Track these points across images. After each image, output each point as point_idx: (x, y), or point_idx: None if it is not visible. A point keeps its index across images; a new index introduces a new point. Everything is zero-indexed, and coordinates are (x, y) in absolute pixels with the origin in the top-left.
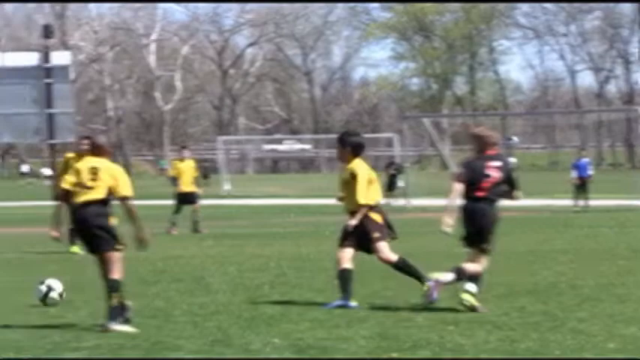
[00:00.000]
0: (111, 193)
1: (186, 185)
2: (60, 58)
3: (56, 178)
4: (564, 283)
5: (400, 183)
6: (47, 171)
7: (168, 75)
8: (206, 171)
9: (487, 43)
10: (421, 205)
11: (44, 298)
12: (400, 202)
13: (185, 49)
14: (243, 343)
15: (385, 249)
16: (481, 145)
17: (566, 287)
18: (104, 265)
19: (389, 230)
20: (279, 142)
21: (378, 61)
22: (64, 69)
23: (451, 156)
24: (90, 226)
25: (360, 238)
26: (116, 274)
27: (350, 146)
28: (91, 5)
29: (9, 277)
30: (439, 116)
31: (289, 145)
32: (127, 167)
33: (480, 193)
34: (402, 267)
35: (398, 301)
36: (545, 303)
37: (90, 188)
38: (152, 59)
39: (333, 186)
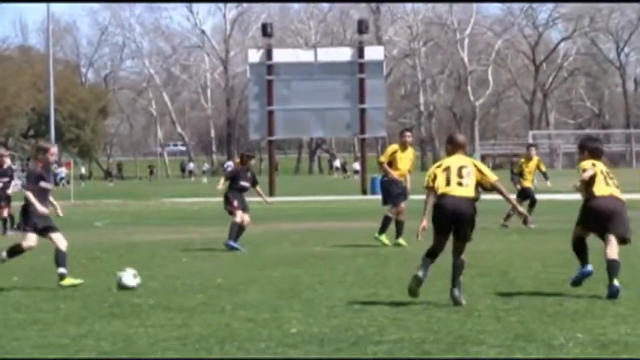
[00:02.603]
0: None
1: (527, 181)
2: (374, 53)
3: None
4: None
5: None
6: (357, 166)
7: (480, 69)
8: (514, 166)
9: None
10: None
11: None
12: None
13: (498, 44)
14: (545, 338)
15: None
16: None
17: None
18: None
19: None
20: None
21: None
22: (377, 64)
23: None
24: None
25: None
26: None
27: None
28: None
29: (313, 271)
30: None
31: None
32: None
33: None
34: None
35: None
36: None
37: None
38: (465, 54)
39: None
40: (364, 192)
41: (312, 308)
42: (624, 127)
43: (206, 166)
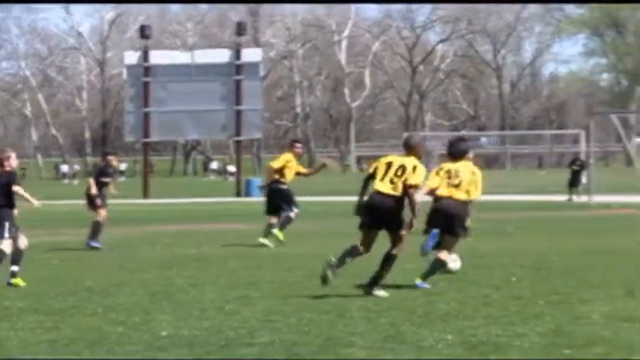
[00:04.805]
0: None
1: None
2: (251, 55)
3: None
4: None
5: (583, 179)
6: (232, 168)
7: (357, 71)
8: None
9: None
10: (604, 202)
11: None
12: (583, 198)
13: (376, 46)
14: (415, 340)
15: None
16: None
17: None
18: None
19: None
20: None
21: (569, 57)
22: (254, 66)
23: (637, 153)
24: None
25: None
26: None
27: None
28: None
29: (186, 273)
30: (628, 112)
31: None
32: (312, 163)
33: None
34: None
35: (574, 298)
36: None
37: None
38: (342, 56)
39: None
40: (238, 194)
41: (183, 311)
42: (499, 129)
43: (76, 168)
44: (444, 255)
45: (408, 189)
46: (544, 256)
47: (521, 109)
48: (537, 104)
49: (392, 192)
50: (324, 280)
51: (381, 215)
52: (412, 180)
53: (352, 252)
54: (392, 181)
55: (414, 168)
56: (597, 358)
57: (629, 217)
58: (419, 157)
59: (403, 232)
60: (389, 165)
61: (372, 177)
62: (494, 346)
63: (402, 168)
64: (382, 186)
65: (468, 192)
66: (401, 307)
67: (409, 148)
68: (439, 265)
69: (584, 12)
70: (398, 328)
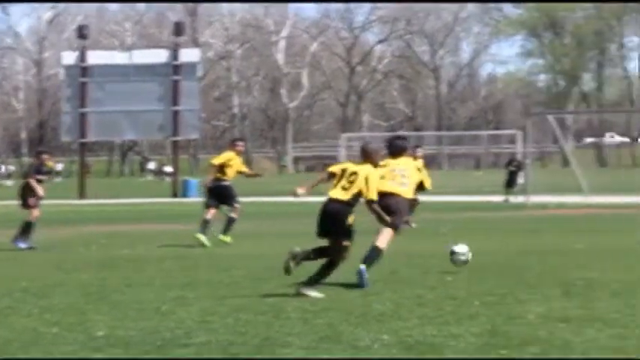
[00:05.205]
0: None
1: None
2: (189, 55)
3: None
4: None
5: (520, 180)
6: (168, 168)
7: (295, 72)
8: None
9: (617, 39)
10: (541, 202)
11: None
12: (520, 199)
13: (314, 46)
14: (351, 340)
15: None
16: None
17: None
18: None
19: None
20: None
21: (507, 58)
22: (192, 66)
23: (573, 153)
24: None
25: None
26: None
27: None
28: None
29: (121, 274)
30: (564, 113)
31: None
32: (249, 164)
33: None
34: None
35: (509, 298)
36: None
37: None
38: (280, 56)
39: (453, 183)
40: (175, 195)
41: (119, 311)
42: (436, 130)
43: (11, 168)
44: (381, 242)
45: (368, 204)
46: (479, 257)
47: (459, 110)
48: (474, 105)
49: (341, 197)
50: (287, 270)
51: (328, 220)
52: (369, 195)
53: (319, 252)
54: (344, 188)
55: (367, 179)
56: (533, 357)
57: (565, 218)
58: (375, 165)
59: (347, 243)
60: (343, 172)
61: (331, 176)
62: (430, 346)
63: (355, 175)
64: (334, 192)
65: (411, 186)
66: (337, 308)
67: (365, 155)
68: (377, 253)
69: (523, 12)
70: (334, 329)
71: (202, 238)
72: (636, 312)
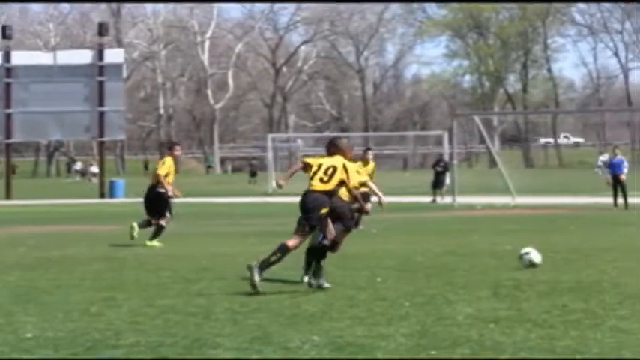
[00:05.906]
0: None
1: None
2: (113, 56)
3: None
4: (607, 281)
5: (447, 180)
6: (95, 169)
7: (220, 73)
8: (254, 169)
9: (542, 40)
10: (468, 203)
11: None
12: (447, 199)
13: (239, 47)
14: (282, 341)
15: None
16: None
17: (608, 285)
18: None
19: None
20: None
21: (432, 59)
22: (117, 67)
23: (499, 154)
24: None
25: None
26: None
27: None
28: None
29: (50, 275)
30: (490, 114)
31: None
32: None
33: None
34: None
35: (439, 299)
36: (586, 301)
37: None
38: (205, 57)
39: (381, 184)
40: (102, 195)
41: (48, 312)
42: (363, 131)
43: None
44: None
45: (351, 192)
46: (408, 258)
47: (385, 111)
48: (400, 106)
49: (322, 188)
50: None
51: (308, 207)
52: (351, 183)
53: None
54: (322, 180)
55: (345, 168)
56: (463, 358)
57: (493, 218)
58: (347, 159)
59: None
60: (319, 167)
61: (305, 167)
62: (361, 347)
63: (332, 168)
64: (313, 184)
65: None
66: (267, 309)
67: (337, 149)
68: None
69: (447, 14)
70: (264, 329)
71: (155, 242)
72: (564, 312)
